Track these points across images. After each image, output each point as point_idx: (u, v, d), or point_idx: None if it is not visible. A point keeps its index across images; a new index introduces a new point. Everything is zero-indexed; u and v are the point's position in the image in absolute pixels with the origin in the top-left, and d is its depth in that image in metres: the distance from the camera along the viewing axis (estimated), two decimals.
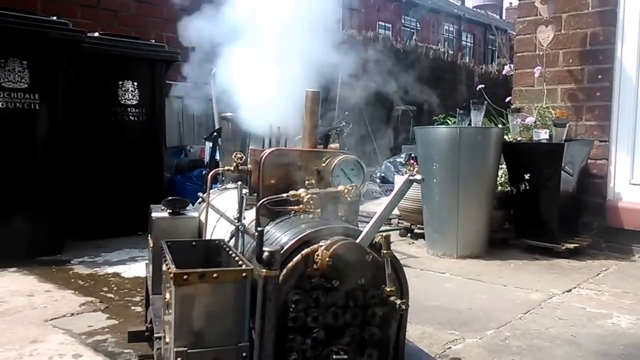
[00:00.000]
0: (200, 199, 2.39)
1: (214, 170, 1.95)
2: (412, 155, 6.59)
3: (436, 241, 4.28)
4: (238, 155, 1.86)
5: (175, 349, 1.25)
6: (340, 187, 1.55)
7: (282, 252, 1.32)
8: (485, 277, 3.76)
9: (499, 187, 4.47)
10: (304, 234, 1.40)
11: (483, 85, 4.44)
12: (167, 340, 1.38)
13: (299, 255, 1.38)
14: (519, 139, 4.37)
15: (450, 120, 5.46)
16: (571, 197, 4.32)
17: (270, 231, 1.54)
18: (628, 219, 4.20)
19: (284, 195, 1.52)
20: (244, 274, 1.30)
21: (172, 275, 1.25)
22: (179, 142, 6.43)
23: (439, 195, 4.18)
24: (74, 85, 4.35)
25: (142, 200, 4.88)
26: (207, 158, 5.53)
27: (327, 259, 1.32)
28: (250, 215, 1.64)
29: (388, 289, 1.39)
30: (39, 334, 2.61)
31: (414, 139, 6.35)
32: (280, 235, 1.48)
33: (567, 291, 3.45)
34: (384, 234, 1.43)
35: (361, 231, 1.43)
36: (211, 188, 2.02)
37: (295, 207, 1.53)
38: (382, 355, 1.47)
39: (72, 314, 2.92)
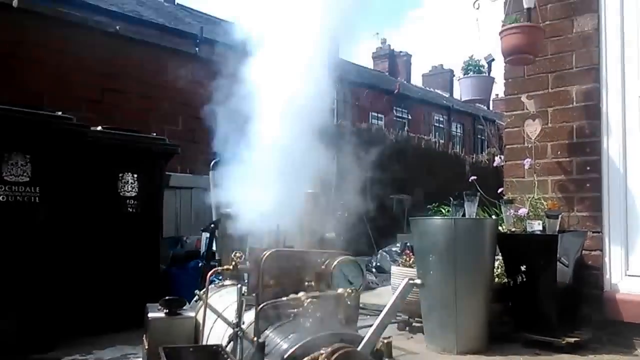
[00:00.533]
0: (197, 297, 2.39)
1: (212, 270, 1.96)
2: (408, 244, 6.60)
3: (435, 336, 4.20)
4: (237, 255, 1.89)
5: None
6: (340, 290, 1.56)
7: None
8: None
9: (496, 279, 4.45)
10: (304, 341, 1.40)
11: (475, 177, 4.54)
12: None
13: None
14: (514, 229, 4.40)
15: (444, 209, 5.52)
16: (568, 289, 4.30)
17: (269, 336, 1.54)
18: (627, 311, 4.16)
19: (284, 298, 1.53)
20: None
21: None
22: (176, 233, 6.46)
23: (436, 288, 4.15)
24: (74, 176, 4.42)
25: (135, 294, 4.86)
26: (203, 249, 5.53)
27: None
28: (249, 317, 1.64)
29: None
30: None
31: (409, 228, 6.40)
32: (280, 342, 1.48)
33: None
34: (385, 340, 1.44)
35: (361, 336, 1.43)
36: (210, 283, 2.02)
37: (295, 309, 1.53)
38: None
39: None
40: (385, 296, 5.81)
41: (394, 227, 8.16)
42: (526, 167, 4.60)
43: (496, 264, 4.44)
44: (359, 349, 1.38)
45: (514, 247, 4.32)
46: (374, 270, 7.34)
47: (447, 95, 29.80)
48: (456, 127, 26.36)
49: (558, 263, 4.10)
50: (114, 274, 4.76)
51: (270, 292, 1.58)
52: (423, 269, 4.29)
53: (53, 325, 4.18)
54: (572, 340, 4.15)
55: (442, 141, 13.68)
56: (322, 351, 1.39)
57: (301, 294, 1.54)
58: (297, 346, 1.40)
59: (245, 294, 1.76)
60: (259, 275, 1.60)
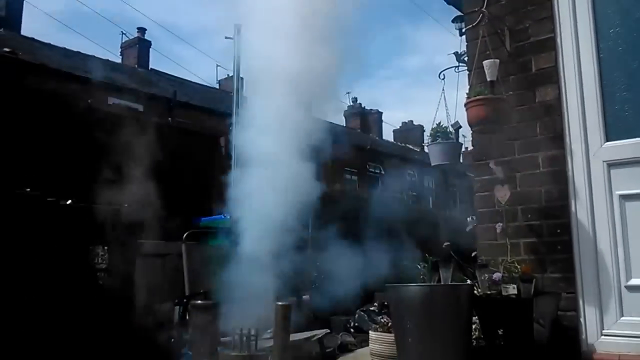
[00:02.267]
0: None
1: None
2: (385, 303, 6.58)
3: None
4: None
5: None
6: None
7: None
8: None
9: (474, 342, 4.44)
10: None
11: (448, 243, 4.59)
12: None
13: None
14: (489, 292, 4.43)
15: (420, 265, 5.53)
16: (546, 350, 4.30)
17: None
18: None
19: None
20: None
21: None
22: (147, 302, 6.30)
23: (415, 354, 4.11)
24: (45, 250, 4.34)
25: None
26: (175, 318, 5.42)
27: None
28: None
29: None
30: None
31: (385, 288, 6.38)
32: None
33: None
34: None
35: None
36: None
37: None
38: None
39: None
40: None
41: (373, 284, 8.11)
42: (498, 230, 4.67)
43: (473, 326, 4.44)
44: None
45: (491, 311, 4.33)
46: (352, 330, 7.26)
47: (418, 150, 30.37)
48: (429, 182, 26.75)
49: (535, 325, 4.12)
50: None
51: None
52: (400, 335, 4.27)
53: None
54: None
55: (415, 196, 13.85)
56: None
57: None
58: None
59: None
60: None
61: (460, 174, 15.68)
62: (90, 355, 4.52)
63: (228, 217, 5.94)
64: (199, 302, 2.26)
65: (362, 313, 7.58)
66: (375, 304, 7.63)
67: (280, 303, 1.66)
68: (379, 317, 6.32)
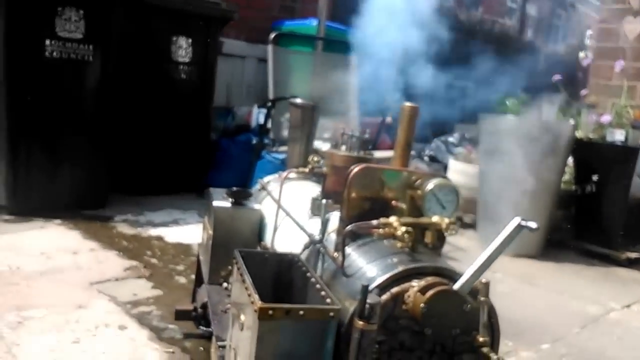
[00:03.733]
0: (260, 186, 2.24)
1: (288, 172, 1.82)
2: (466, 135, 6.30)
3: (489, 236, 4.00)
4: (315, 159, 1.75)
5: None
6: (436, 219, 1.39)
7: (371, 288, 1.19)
8: (540, 281, 3.58)
9: (562, 185, 4.21)
10: (395, 271, 1.26)
11: (560, 77, 4.11)
12: None
13: (388, 294, 1.25)
14: (591, 136, 4.08)
15: (509, 102, 5.14)
16: (639, 205, 4.05)
17: (351, 256, 1.39)
18: None
19: (374, 222, 1.36)
20: (331, 314, 1.17)
21: (256, 309, 1.13)
22: (226, 103, 6.27)
23: (498, 189, 3.95)
24: (127, 38, 4.20)
25: (187, 160, 4.84)
26: (254, 122, 5.38)
27: (422, 305, 1.20)
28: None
29: (481, 339, 1.25)
30: (84, 298, 2.56)
31: (469, 119, 6.04)
32: (364, 265, 1.34)
33: (627, 306, 3.27)
34: (483, 280, 1.26)
35: (456, 272, 1.30)
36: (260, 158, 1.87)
37: (381, 230, 1.37)
38: None
39: (117, 279, 2.86)
40: None
41: (453, 116, 7.77)
42: (617, 69, 4.14)
43: (566, 169, 4.18)
44: (455, 287, 1.23)
45: (589, 155, 4.04)
46: (425, 158, 7.14)
47: None
48: (532, 9, 24.43)
49: (634, 178, 3.82)
50: (165, 138, 4.68)
51: (356, 208, 1.42)
52: (486, 168, 4.08)
53: (107, 183, 4.18)
54: (633, 255, 4.01)
55: (516, 24, 12.61)
56: (413, 283, 1.24)
57: (393, 218, 1.36)
58: (387, 276, 1.25)
59: (320, 197, 1.59)
60: (344, 189, 1.42)
61: (565, 4, 14.04)
62: (169, 145, 4.60)
63: (313, 23, 5.56)
64: (299, 100, 2.08)
65: (440, 142, 7.36)
66: (455, 134, 7.33)
67: (408, 104, 1.45)
68: (457, 148, 6.10)
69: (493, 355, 1.22)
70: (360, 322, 1.11)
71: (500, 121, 4.02)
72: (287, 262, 1.48)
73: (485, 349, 1.24)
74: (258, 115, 5.09)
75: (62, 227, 3.61)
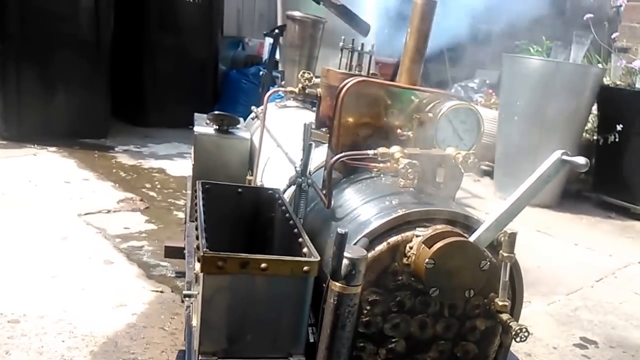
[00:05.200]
0: (253, 114, 2.06)
1: (271, 91, 1.59)
2: (487, 81, 6.02)
3: (505, 183, 3.91)
4: (305, 76, 1.48)
5: (200, 357, 0.92)
6: (450, 150, 1.11)
7: (364, 236, 0.97)
8: (555, 231, 3.45)
9: (584, 134, 4.01)
10: (395, 215, 1.00)
11: (591, 15, 3.81)
12: (194, 323, 1.07)
13: (384, 244, 1.00)
14: (619, 83, 3.83)
15: (533, 49, 4.85)
16: None
17: (344, 194, 1.15)
18: None
19: (370, 153, 1.10)
20: (305, 268, 0.91)
21: (200, 258, 0.88)
22: (237, 33, 6.00)
23: (518, 135, 3.76)
24: None
25: (194, 91, 4.65)
26: (265, 55, 5.13)
27: (427, 260, 0.93)
28: (316, 156, 1.26)
29: (500, 303, 1.03)
30: (69, 230, 2.43)
31: (490, 64, 5.75)
32: (358, 206, 1.09)
33: None
34: (509, 231, 1.01)
35: (472, 218, 1.03)
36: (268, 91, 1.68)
37: (381, 164, 1.11)
38: None
39: (109, 211, 2.72)
40: None
41: (475, 60, 7.46)
42: None
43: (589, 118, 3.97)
44: (472, 239, 0.97)
45: (615, 103, 3.81)
46: None
47: None
48: None
49: None
50: (171, 67, 4.49)
51: (350, 135, 1.18)
52: (506, 113, 3.87)
53: (107, 111, 4.04)
54: None
55: None
56: (418, 232, 0.99)
57: (394, 148, 1.10)
58: (384, 221, 0.99)
59: (314, 126, 1.36)
60: (336, 109, 1.16)
61: None
62: (172, 74, 4.39)
63: None
64: (297, 13, 1.85)
65: (460, 88, 7.11)
66: (476, 80, 7.04)
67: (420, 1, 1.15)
68: (477, 95, 5.84)
69: (514, 325, 0.98)
70: (337, 284, 0.86)
71: (523, 62, 3.77)
72: (266, 200, 1.23)
73: (504, 316, 1.01)
74: (270, 47, 4.85)
75: (56, 155, 3.48)
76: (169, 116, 4.47)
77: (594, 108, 3.93)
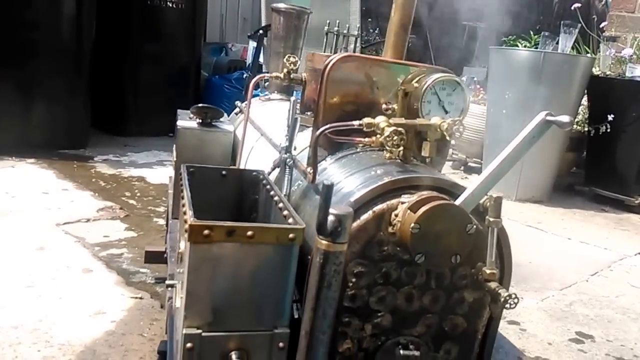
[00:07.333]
0: (237, 109, 1.98)
1: (257, 76, 1.53)
2: (475, 79, 5.96)
3: None
4: (291, 60, 1.43)
5: (185, 331, 0.88)
6: (435, 120, 1.08)
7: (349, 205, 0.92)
8: (547, 226, 3.37)
9: (575, 126, 3.94)
10: (380, 182, 0.98)
11: (579, 5, 3.76)
12: (178, 305, 1.02)
13: (370, 213, 0.97)
14: (608, 73, 3.77)
15: (521, 44, 4.80)
16: None
17: (328, 170, 1.12)
18: None
19: (355, 123, 1.07)
20: (291, 235, 0.89)
21: (187, 227, 0.85)
22: (220, 39, 5.93)
23: (507, 129, 3.67)
24: None
25: (175, 98, 4.55)
26: (249, 59, 5.06)
27: (412, 225, 0.91)
28: (302, 141, 1.22)
29: (488, 271, 0.99)
30: (47, 240, 2.33)
31: (478, 60, 5.69)
32: (343, 179, 1.06)
33: None
34: (494, 194, 1.00)
35: (459, 185, 1.02)
36: (252, 97, 1.61)
37: (367, 139, 1.09)
38: (463, 353, 1.09)
39: (88, 220, 2.63)
40: None
41: (461, 58, 7.42)
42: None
43: (579, 109, 3.90)
44: (457, 202, 0.98)
45: (606, 93, 3.75)
46: None
47: None
48: None
49: None
50: (152, 75, 4.39)
51: (335, 112, 1.14)
52: (495, 107, 3.80)
53: (87, 122, 3.94)
54: None
55: None
56: (403, 199, 0.97)
57: (380, 119, 1.08)
58: (368, 189, 0.98)
59: (299, 110, 1.32)
60: (321, 87, 1.14)
61: None
62: (154, 82, 4.32)
63: None
64: (282, 5, 1.78)
65: None
66: (464, 77, 6.98)
67: None
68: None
69: (503, 292, 0.95)
70: (323, 241, 0.82)
71: (511, 54, 3.70)
72: (250, 181, 1.21)
73: (492, 284, 0.98)
74: (254, 50, 4.78)
75: (34, 166, 3.38)
76: (150, 125, 4.36)
77: (584, 99, 3.87)
